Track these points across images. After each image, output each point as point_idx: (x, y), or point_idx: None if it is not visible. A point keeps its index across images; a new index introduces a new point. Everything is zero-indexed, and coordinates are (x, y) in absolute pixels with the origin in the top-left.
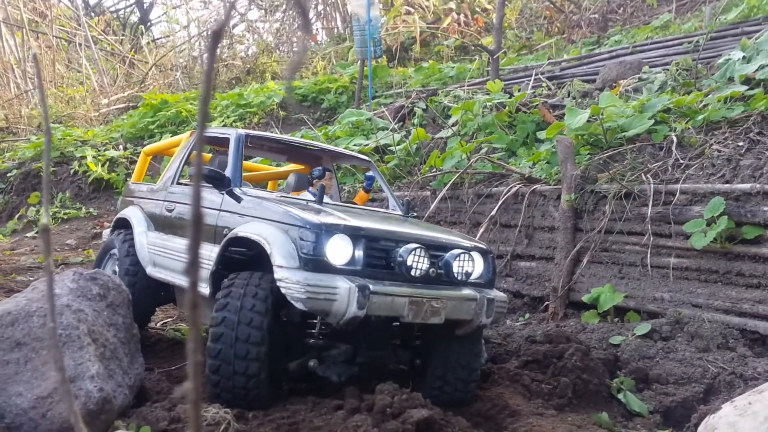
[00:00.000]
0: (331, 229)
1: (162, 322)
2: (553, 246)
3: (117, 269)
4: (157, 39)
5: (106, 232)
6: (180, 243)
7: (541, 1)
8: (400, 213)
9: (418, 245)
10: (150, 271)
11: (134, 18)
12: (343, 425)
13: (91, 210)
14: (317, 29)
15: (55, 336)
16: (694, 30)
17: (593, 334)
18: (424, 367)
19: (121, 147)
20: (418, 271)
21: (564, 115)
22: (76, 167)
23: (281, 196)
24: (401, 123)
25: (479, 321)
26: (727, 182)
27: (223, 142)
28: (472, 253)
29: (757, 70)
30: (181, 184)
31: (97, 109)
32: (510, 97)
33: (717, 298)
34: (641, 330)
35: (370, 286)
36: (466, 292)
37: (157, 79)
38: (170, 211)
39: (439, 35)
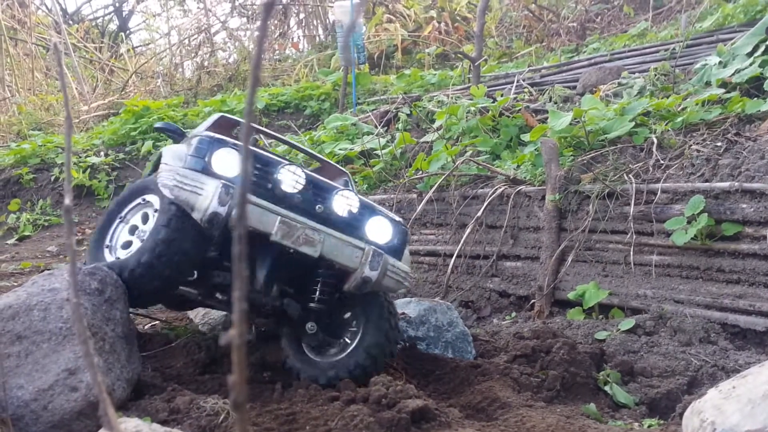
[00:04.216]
0: (219, 142)
1: (150, 324)
2: (539, 246)
3: None
4: (137, 47)
5: None
6: None
7: (520, 10)
8: None
9: (290, 163)
10: None
11: (113, 26)
12: (340, 415)
13: (73, 217)
14: (299, 37)
15: (78, 310)
16: (671, 38)
17: (579, 330)
18: (329, 343)
19: (102, 154)
20: (291, 188)
21: (546, 119)
22: (57, 174)
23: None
24: (386, 128)
25: (363, 272)
26: (706, 181)
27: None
28: (378, 216)
29: (733, 74)
30: None
31: (77, 116)
32: (493, 102)
33: (698, 294)
34: (625, 325)
35: (236, 187)
36: (354, 239)
37: (138, 87)
38: None
39: (421, 43)
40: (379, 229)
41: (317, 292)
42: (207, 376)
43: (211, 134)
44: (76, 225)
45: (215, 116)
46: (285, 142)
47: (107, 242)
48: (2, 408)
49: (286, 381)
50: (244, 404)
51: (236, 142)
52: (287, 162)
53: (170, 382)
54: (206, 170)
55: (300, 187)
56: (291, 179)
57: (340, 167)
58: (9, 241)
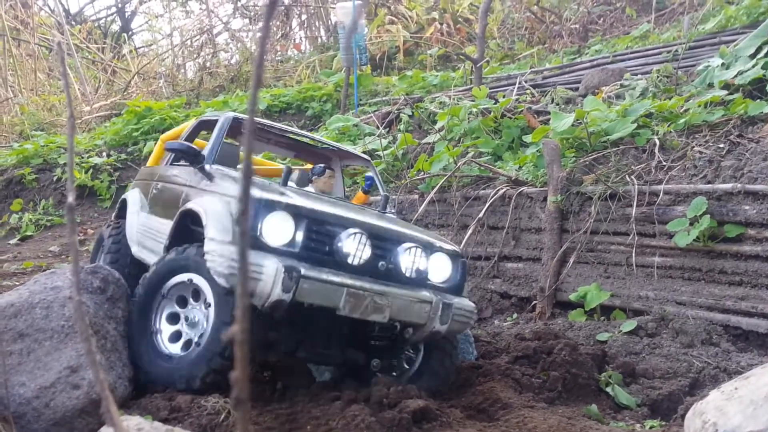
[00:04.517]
0: (269, 206)
1: None
2: (540, 247)
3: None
4: (139, 48)
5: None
6: (159, 222)
7: (522, 11)
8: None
9: (358, 230)
10: (135, 251)
11: (115, 27)
12: (341, 415)
13: (75, 216)
14: (301, 38)
15: (80, 308)
16: (673, 40)
17: (580, 332)
18: (391, 367)
19: (104, 154)
20: (357, 260)
21: (548, 120)
22: (59, 174)
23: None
24: (388, 129)
25: (432, 327)
26: (709, 182)
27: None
28: (437, 253)
29: (735, 76)
30: (174, 165)
31: (79, 117)
32: (495, 103)
33: (700, 296)
34: (627, 327)
35: (302, 270)
36: (422, 293)
37: (140, 87)
38: (157, 190)
39: (423, 45)
40: (440, 268)
41: (376, 328)
42: None
43: (257, 195)
44: (78, 225)
45: (226, 118)
46: (304, 136)
47: (153, 327)
48: (4, 405)
49: (287, 381)
50: (246, 400)
51: (288, 202)
52: (350, 222)
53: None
54: (258, 244)
55: (366, 258)
56: (356, 250)
57: (363, 156)
58: (11, 241)
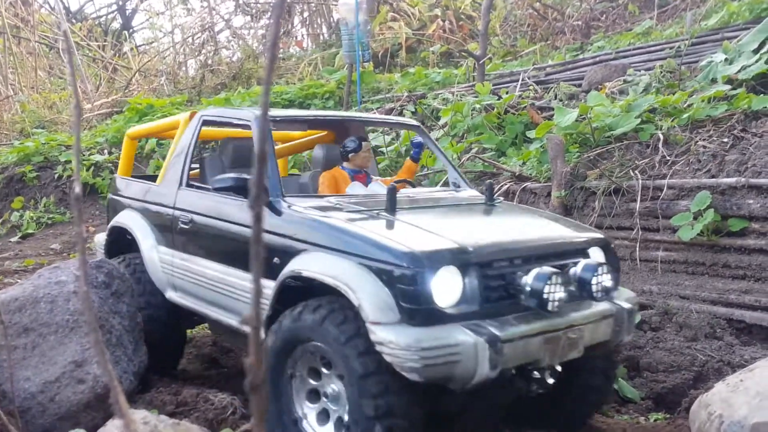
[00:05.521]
0: (435, 261)
1: None
2: None
3: None
4: (140, 45)
5: (97, 237)
6: (208, 266)
7: (525, 8)
8: (477, 195)
9: (553, 270)
10: (170, 296)
11: (116, 24)
12: None
13: (82, 207)
14: (302, 35)
15: (88, 298)
16: (676, 36)
17: None
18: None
19: (105, 152)
20: (556, 304)
21: (551, 117)
22: (60, 172)
23: (331, 201)
24: None
25: (618, 340)
26: (712, 177)
27: (241, 127)
28: (593, 248)
29: (739, 71)
30: (193, 186)
31: (81, 115)
32: (498, 99)
33: (704, 290)
34: None
35: (500, 335)
36: (601, 307)
37: (141, 85)
38: (186, 223)
39: (425, 42)
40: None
41: None
42: (213, 371)
43: (416, 249)
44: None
45: (257, 120)
46: (340, 116)
47: (295, 413)
48: (9, 400)
49: None
50: (260, 386)
51: (451, 248)
52: (527, 251)
53: (178, 379)
54: (435, 313)
55: (563, 299)
56: (556, 296)
57: (409, 121)
58: (12, 239)
